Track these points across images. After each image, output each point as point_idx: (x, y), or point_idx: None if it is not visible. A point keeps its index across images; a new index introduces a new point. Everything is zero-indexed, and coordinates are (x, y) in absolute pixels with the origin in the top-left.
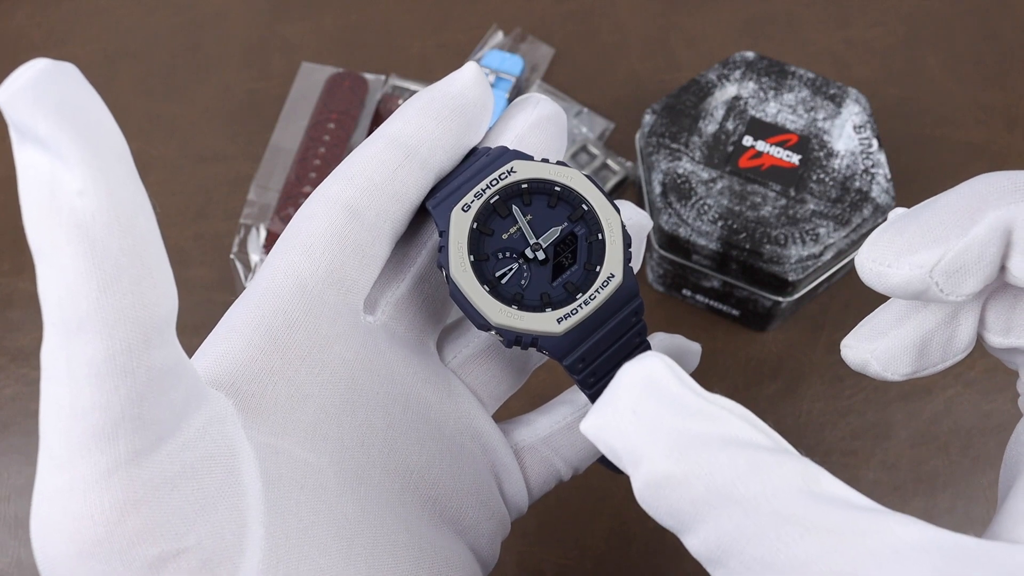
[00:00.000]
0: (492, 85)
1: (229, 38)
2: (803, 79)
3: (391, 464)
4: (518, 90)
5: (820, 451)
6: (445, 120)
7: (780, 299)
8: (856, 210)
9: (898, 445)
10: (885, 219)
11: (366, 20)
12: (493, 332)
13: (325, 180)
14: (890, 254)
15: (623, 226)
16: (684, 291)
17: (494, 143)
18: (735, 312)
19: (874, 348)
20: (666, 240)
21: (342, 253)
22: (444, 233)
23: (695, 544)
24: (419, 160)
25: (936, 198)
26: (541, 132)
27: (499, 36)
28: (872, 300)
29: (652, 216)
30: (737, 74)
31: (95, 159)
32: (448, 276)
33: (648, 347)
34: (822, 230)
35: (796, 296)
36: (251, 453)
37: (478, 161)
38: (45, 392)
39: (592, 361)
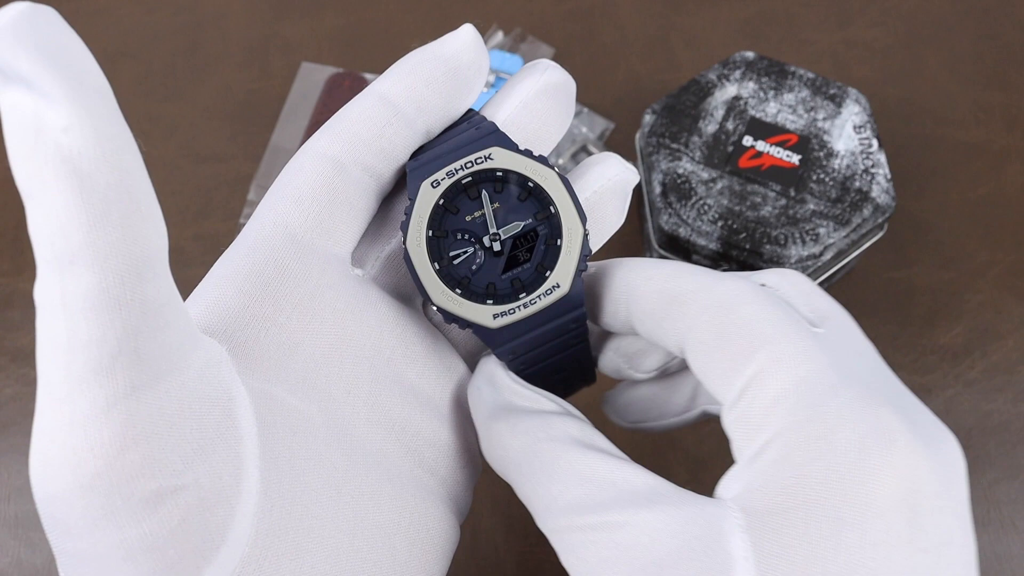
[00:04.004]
0: (491, 85)
1: (229, 38)
2: (803, 79)
3: (375, 415)
4: None
5: None
6: (435, 82)
7: None
8: (856, 210)
9: None
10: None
11: (366, 20)
12: (435, 308)
13: (313, 135)
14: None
15: (585, 237)
16: None
17: (497, 108)
18: None
19: (615, 401)
20: (666, 240)
21: (331, 204)
22: (411, 202)
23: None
24: (406, 120)
25: None
26: (547, 99)
27: (499, 36)
28: (871, 300)
29: (652, 216)
30: (737, 74)
31: (79, 96)
32: (404, 245)
33: (588, 350)
34: (822, 230)
35: None
36: (247, 398)
37: (465, 133)
38: (41, 329)
39: (523, 354)
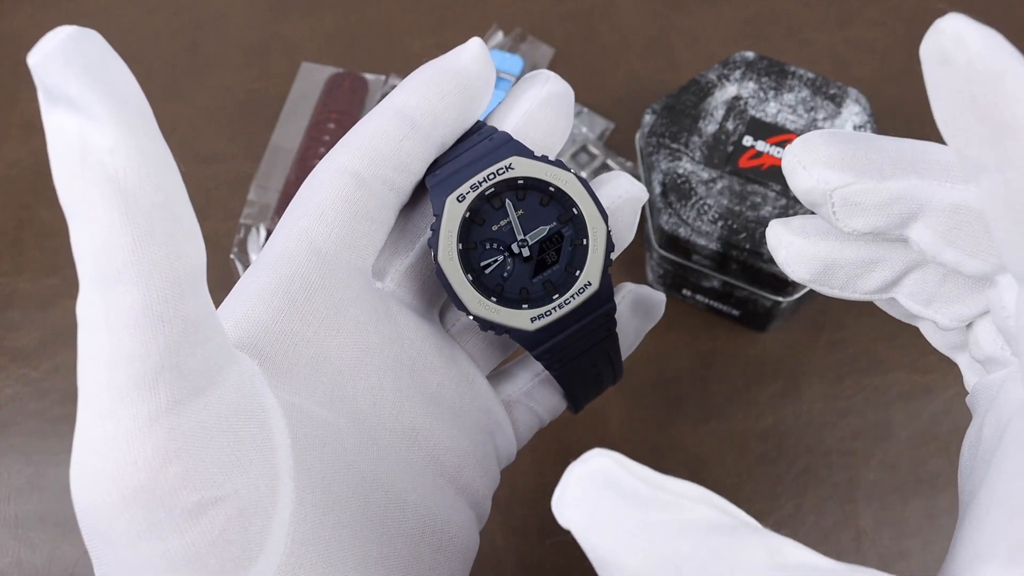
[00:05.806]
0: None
1: (229, 38)
2: (803, 79)
3: (399, 426)
4: None
5: (820, 451)
6: (448, 95)
7: (780, 299)
8: None
9: (898, 445)
10: None
11: (366, 20)
12: (471, 318)
13: (332, 150)
14: (809, 158)
15: (608, 234)
16: (684, 291)
17: (503, 119)
18: (735, 312)
19: (791, 241)
20: (666, 240)
21: (352, 218)
22: (437, 218)
23: None
24: (422, 133)
25: (883, 137)
26: (550, 109)
27: (499, 36)
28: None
29: (652, 216)
30: (737, 74)
31: (124, 118)
32: (435, 260)
33: (617, 342)
34: None
35: (796, 296)
36: (279, 411)
37: (480, 144)
38: (83, 344)
39: (559, 351)
